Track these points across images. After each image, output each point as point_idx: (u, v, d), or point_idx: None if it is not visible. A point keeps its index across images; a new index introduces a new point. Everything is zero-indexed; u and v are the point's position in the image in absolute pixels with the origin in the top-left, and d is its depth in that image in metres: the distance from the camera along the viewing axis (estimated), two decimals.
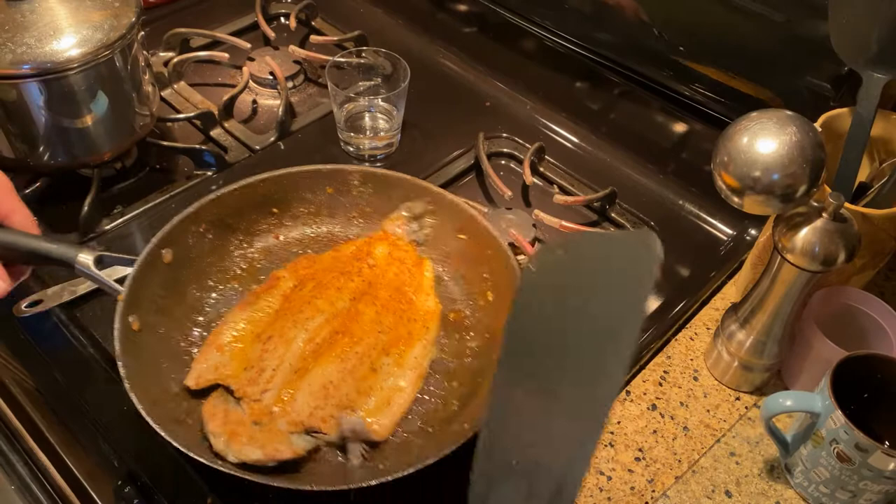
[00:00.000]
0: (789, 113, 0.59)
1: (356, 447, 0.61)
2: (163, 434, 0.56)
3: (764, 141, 0.58)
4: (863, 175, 0.73)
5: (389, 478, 0.55)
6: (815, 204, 0.61)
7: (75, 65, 0.72)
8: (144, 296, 0.65)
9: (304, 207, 0.78)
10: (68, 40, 0.72)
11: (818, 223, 0.59)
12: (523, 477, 0.40)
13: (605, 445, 0.67)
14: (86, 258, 0.62)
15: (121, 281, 0.64)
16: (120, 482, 0.64)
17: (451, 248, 0.76)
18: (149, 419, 0.56)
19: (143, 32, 0.81)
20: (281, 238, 0.77)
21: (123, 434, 0.65)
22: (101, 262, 0.63)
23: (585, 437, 0.38)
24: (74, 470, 0.75)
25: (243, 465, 0.57)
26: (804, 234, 0.60)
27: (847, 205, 0.63)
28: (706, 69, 0.86)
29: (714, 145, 0.61)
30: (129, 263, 0.64)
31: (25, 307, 0.71)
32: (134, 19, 0.77)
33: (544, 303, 0.44)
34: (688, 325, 0.78)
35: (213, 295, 0.70)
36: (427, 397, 0.66)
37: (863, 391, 0.62)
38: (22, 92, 0.72)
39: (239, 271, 0.73)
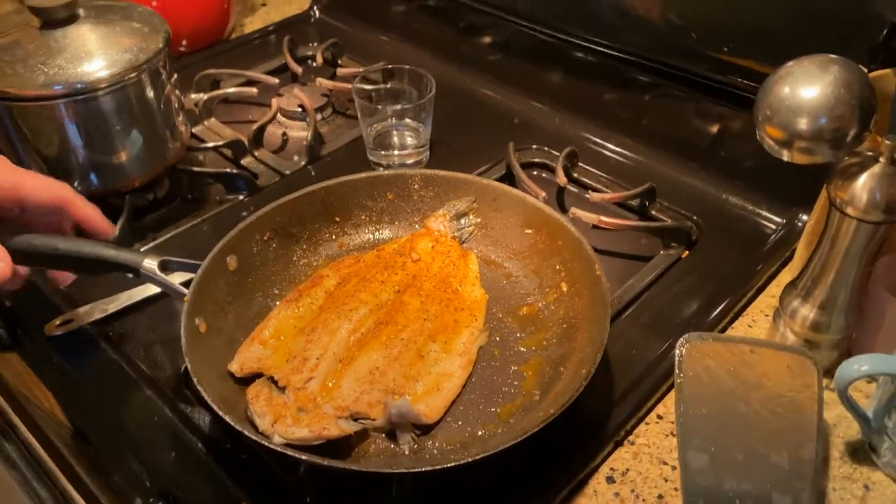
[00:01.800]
0: (831, 56, 0.56)
1: (406, 434, 0.58)
2: (233, 424, 0.53)
3: (806, 86, 0.55)
4: None
5: (473, 458, 0.52)
6: (870, 153, 0.57)
7: (104, 85, 0.73)
8: (210, 299, 0.65)
9: (366, 215, 0.77)
10: (98, 62, 0.73)
11: (876, 169, 0.56)
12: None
13: (667, 435, 0.62)
14: (151, 263, 0.63)
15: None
16: (151, 500, 0.61)
17: (519, 244, 0.74)
18: (218, 410, 0.54)
19: (175, 75, 0.83)
20: (344, 246, 0.76)
21: (156, 449, 0.62)
22: (166, 268, 0.64)
23: (799, 478, 0.54)
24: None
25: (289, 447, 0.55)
26: (862, 183, 0.56)
27: None
28: (740, 60, 0.85)
29: (754, 102, 0.58)
30: (194, 269, 0.65)
31: (58, 326, 0.69)
32: (162, 45, 0.78)
33: (709, 396, 0.57)
34: (744, 314, 0.73)
35: (279, 303, 0.69)
36: (507, 389, 0.63)
37: None
38: (53, 114, 0.73)
39: (304, 279, 0.72)
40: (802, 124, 0.55)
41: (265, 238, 0.71)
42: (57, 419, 0.69)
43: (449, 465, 0.50)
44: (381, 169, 0.89)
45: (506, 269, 0.73)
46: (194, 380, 0.55)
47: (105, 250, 0.63)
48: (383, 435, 0.59)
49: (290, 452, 0.52)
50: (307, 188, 0.73)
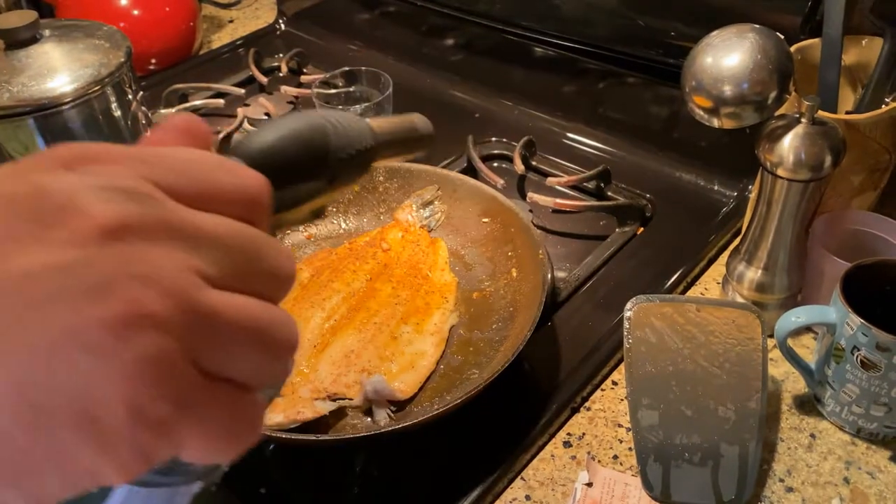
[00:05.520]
0: (748, 24, 0.59)
1: (382, 410, 0.60)
2: None
3: (726, 55, 0.58)
4: (848, 105, 0.72)
5: (425, 418, 0.54)
6: (795, 115, 0.60)
7: (69, 99, 0.75)
8: None
9: (333, 206, 0.80)
10: (62, 79, 0.76)
11: (799, 129, 0.58)
12: (692, 457, 0.57)
13: (622, 399, 0.64)
14: None
15: None
16: None
17: (476, 233, 0.77)
18: None
19: (142, 93, 0.86)
20: (312, 237, 0.78)
21: None
22: None
23: (746, 429, 0.57)
24: None
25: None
26: (787, 144, 0.59)
27: (828, 114, 0.62)
28: (689, 43, 0.87)
29: (681, 75, 0.61)
30: None
31: None
32: (123, 59, 0.81)
33: (657, 356, 0.60)
34: (697, 283, 0.76)
35: None
36: (442, 366, 0.65)
37: (877, 303, 0.58)
38: (20, 131, 0.75)
39: None
40: (726, 91, 0.58)
41: None
42: None
43: (399, 426, 0.53)
44: None
45: (463, 256, 0.76)
46: None
47: None
48: (361, 414, 0.61)
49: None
50: None
